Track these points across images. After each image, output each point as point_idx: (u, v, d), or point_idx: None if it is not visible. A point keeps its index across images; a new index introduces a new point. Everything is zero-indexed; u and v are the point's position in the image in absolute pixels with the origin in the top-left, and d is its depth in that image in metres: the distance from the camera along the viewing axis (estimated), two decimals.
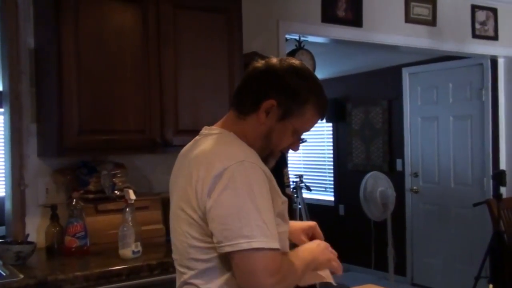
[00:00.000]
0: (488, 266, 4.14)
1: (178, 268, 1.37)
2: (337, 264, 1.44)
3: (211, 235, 1.23)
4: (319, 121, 1.46)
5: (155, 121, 2.54)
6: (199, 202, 1.24)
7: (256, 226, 1.17)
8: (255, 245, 1.16)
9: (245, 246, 1.16)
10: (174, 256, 1.39)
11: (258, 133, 1.33)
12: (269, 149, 1.35)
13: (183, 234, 1.30)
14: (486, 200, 4.22)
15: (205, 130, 1.39)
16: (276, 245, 1.19)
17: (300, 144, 1.44)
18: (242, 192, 1.19)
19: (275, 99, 1.30)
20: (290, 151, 1.45)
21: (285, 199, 1.36)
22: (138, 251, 2.28)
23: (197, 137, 1.39)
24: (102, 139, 2.43)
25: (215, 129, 1.37)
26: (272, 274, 1.17)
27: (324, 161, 6.47)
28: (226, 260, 1.23)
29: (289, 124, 1.32)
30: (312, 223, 1.60)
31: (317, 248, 1.42)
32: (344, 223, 6.10)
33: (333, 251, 1.47)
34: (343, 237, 6.01)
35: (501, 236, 3.92)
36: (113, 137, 2.46)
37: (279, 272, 1.19)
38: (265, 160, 1.35)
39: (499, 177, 4.09)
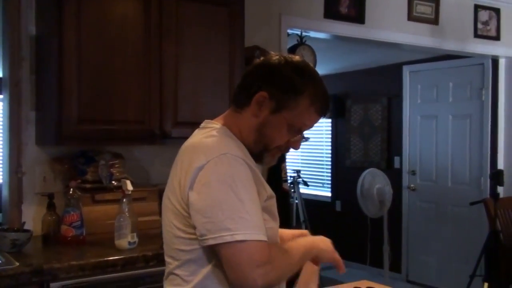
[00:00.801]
0: (484, 265, 4.16)
1: (165, 258, 1.38)
2: (339, 257, 1.42)
3: (193, 227, 1.23)
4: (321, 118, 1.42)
5: (154, 113, 2.54)
6: (182, 193, 1.24)
7: (239, 218, 1.17)
8: (238, 237, 1.15)
9: (228, 238, 1.16)
10: (163, 246, 1.39)
11: (252, 126, 1.32)
12: (262, 143, 1.33)
13: (169, 224, 1.31)
14: (483, 199, 4.23)
15: (203, 123, 1.39)
16: (261, 236, 1.18)
17: (301, 143, 1.40)
18: (224, 184, 1.18)
19: (267, 91, 1.29)
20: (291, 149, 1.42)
21: (271, 194, 1.34)
22: (134, 242, 2.28)
23: (196, 130, 1.39)
24: (101, 129, 2.43)
25: (212, 122, 1.37)
26: (259, 265, 1.16)
27: (322, 157, 6.48)
28: (208, 253, 1.23)
29: (282, 117, 1.30)
30: (304, 231, 1.59)
31: (317, 237, 1.43)
32: (341, 219, 6.12)
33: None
34: (339, 233, 6.03)
35: (497, 236, 3.93)
36: (112, 127, 2.45)
37: (267, 262, 1.17)
38: (259, 156, 1.34)
39: (496, 177, 4.11)
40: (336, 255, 1.42)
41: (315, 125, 1.41)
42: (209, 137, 1.29)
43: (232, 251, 1.16)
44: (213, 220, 1.17)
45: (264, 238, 1.19)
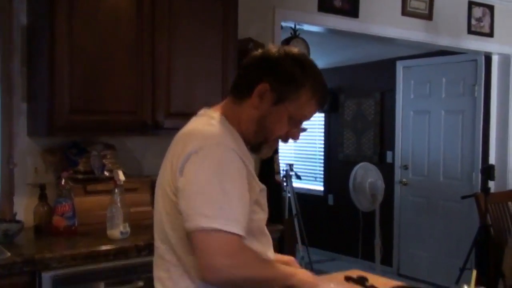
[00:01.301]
0: (474, 259, 4.19)
1: (154, 242, 1.38)
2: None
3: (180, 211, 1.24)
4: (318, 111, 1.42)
5: (146, 103, 2.53)
6: (172, 177, 1.25)
7: (219, 208, 1.17)
8: (215, 225, 1.16)
9: (204, 225, 1.16)
10: (154, 231, 1.39)
11: (252, 118, 1.32)
12: (263, 135, 1.34)
13: (159, 208, 1.32)
14: (474, 194, 4.26)
15: (202, 110, 1.39)
16: (236, 230, 1.18)
17: (300, 133, 1.39)
18: (212, 173, 1.19)
19: (269, 83, 1.30)
20: (290, 140, 1.42)
21: (263, 186, 1.35)
22: (127, 232, 2.29)
23: (193, 117, 1.40)
24: (93, 119, 2.42)
25: (210, 111, 1.37)
26: (226, 256, 1.16)
27: (315, 151, 6.49)
28: None
29: (284, 109, 1.31)
30: (290, 258, 1.56)
31: (299, 270, 1.38)
32: (333, 213, 6.14)
33: None
34: (331, 227, 6.07)
35: (488, 230, 3.96)
36: (104, 117, 2.45)
37: (235, 256, 1.17)
38: (258, 147, 1.35)
39: (487, 172, 4.13)
40: (321, 286, 1.37)
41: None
42: (206, 125, 1.29)
43: (205, 237, 1.16)
44: (194, 205, 1.18)
45: (240, 232, 1.18)
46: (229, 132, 1.30)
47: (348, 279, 1.68)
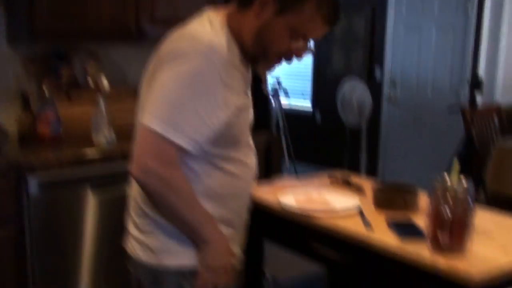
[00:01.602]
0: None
1: None
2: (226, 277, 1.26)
3: None
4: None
5: (130, 7, 2.45)
6: (153, 78, 1.22)
7: (168, 113, 1.14)
8: (155, 127, 1.13)
9: (146, 122, 1.14)
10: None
11: (253, 27, 1.26)
12: (262, 47, 1.27)
13: (139, 115, 1.29)
14: (460, 107, 4.28)
15: (205, 11, 1.32)
16: (177, 140, 1.14)
17: (305, 52, 1.31)
18: (181, 80, 1.16)
19: None
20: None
21: (244, 102, 1.30)
22: (112, 138, 2.28)
23: (194, 18, 1.33)
24: (75, 24, 2.34)
25: (213, 14, 1.30)
26: (158, 160, 1.13)
27: (303, 68, 6.43)
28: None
29: (285, 21, 1.24)
30: None
31: (223, 238, 1.26)
32: (320, 130, 6.19)
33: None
34: (318, 143, 6.15)
35: (471, 141, 4.02)
36: (86, 22, 2.36)
37: (166, 166, 1.14)
38: (255, 61, 1.30)
39: (475, 87, 4.14)
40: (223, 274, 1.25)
41: None
42: (202, 30, 1.23)
43: (145, 134, 1.14)
44: (150, 106, 1.17)
45: (183, 145, 1.15)
46: (225, 41, 1.24)
47: (331, 177, 1.70)
